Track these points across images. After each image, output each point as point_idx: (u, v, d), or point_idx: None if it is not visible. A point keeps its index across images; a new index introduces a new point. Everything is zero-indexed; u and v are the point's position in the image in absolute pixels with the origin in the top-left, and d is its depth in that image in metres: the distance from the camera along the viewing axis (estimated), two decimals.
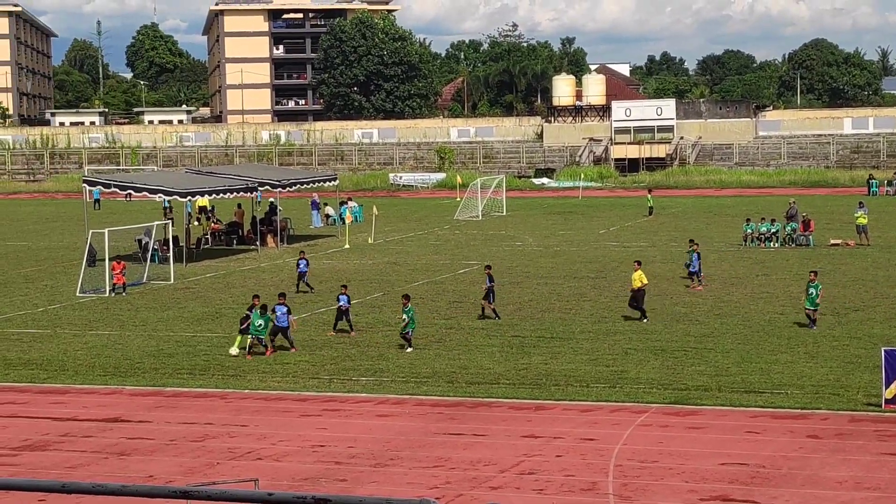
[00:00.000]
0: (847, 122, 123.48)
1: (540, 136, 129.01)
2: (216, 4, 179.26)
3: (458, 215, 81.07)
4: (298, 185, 71.83)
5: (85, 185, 64.43)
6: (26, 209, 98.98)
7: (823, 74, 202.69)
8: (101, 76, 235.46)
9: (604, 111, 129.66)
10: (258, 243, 63.88)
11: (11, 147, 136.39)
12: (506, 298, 44.92)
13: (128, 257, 52.91)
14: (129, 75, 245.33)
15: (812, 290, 37.32)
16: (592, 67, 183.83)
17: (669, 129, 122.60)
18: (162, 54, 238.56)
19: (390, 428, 26.87)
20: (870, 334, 36.29)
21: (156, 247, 56.37)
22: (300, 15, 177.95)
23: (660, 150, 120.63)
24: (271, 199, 69.48)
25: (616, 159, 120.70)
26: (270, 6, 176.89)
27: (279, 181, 68.60)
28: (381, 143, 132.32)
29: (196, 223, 69.19)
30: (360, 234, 68.78)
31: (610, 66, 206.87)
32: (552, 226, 74.63)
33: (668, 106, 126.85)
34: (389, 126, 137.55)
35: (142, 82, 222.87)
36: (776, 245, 60.32)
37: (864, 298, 43.50)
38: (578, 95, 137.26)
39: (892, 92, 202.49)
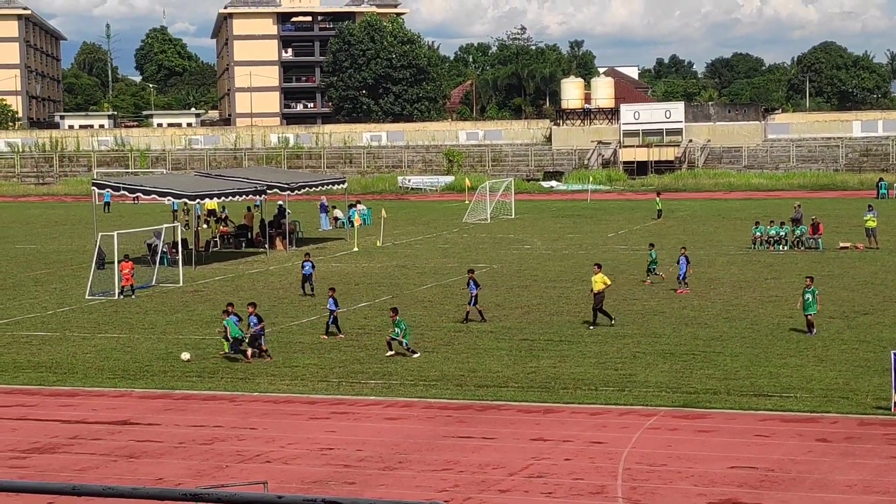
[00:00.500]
0: (856, 126, 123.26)
1: (548, 138, 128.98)
2: (225, 8, 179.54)
3: (467, 218, 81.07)
4: (307, 188, 71.86)
5: (94, 188, 64.47)
6: (35, 212, 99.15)
7: (832, 77, 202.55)
8: (110, 79, 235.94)
9: (612, 114, 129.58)
10: (267, 246, 63.95)
11: (21, 150, 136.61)
12: (514, 302, 44.97)
13: (137, 260, 52.98)
14: (138, 78, 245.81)
15: (808, 296, 36.95)
16: (601, 70, 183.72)
17: (678, 132, 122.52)
18: (171, 57, 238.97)
19: (399, 431, 26.88)
20: (879, 338, 36.23)
21: (165, 249, 56.44)
22: (309, 18, 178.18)
23: (668, 153, 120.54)
24: (280, 203, 69.54)
25: (625, 162, 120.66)
26: (279, 9, 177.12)
27: (288, 184, 68.63)
28: (390, 146, 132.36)
29: (205, 226, 69.28)
30: (369, 237, 68.80)
31: (618, 69, 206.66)
32: (561, 229, 74.61)
33: (677, 109, 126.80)
34: (398, 129, 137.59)
35: (151, 85, 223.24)
36: (785, 248, 60.26)
37: (873, 302, 43.43)
38: (587, 98, 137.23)
39: None
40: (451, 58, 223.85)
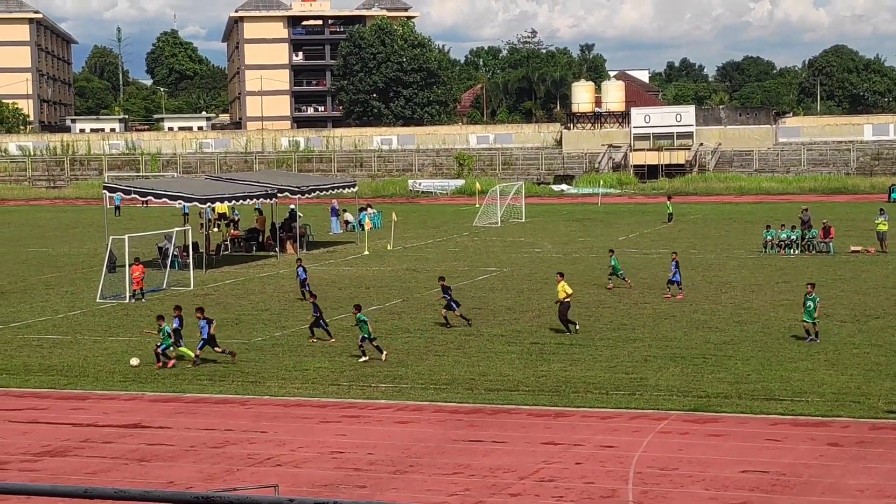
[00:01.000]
0: (867, 129, 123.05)
1: (559, 142, 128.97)
2: (236, 11, 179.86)
3: (477, 222, 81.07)
4: (318, 192, 71.93)
5: (105, 191, 64.56)
6: (47, 215, 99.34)
7: (843, 81, 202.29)
8: (121, 83, 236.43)
9: (623, 118, 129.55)
10: (277, 250, 64.01)
11: (32, 154, 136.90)
12: (525, 305, 44.96)
13: (148, 263, 53.04)
14: (148, 82, 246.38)
15: (809, 303, 36.71)
16: (611, 74, 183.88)
17: (689, 135, 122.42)
18: (182, 61, 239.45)
19: (410, 434, 26.87)
20: (890, 342, 36.16)
21: (176, 253, 56.51)
22: (319, 22, 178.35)
23: (679, 157, 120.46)
24: (291, 206, 69.61)
25: (635, 166, 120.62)
26: (290, 13, 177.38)
27: (298, 187, 68.71)
28: (401, 149, 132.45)
29: (215, 230, 69.36)
30: (380, 240, 68.82)
31: (629, 72, 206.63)
32: (571, 232, 74.57)
33: (688, 112, 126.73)
34: (408, 133, 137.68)
35: (161, 89, 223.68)
36: (796, 252, 60.17)
37: (884, 306, 43.34)
38: (597, 102, 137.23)
39: None
40: (462, 61, 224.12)
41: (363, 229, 68.89)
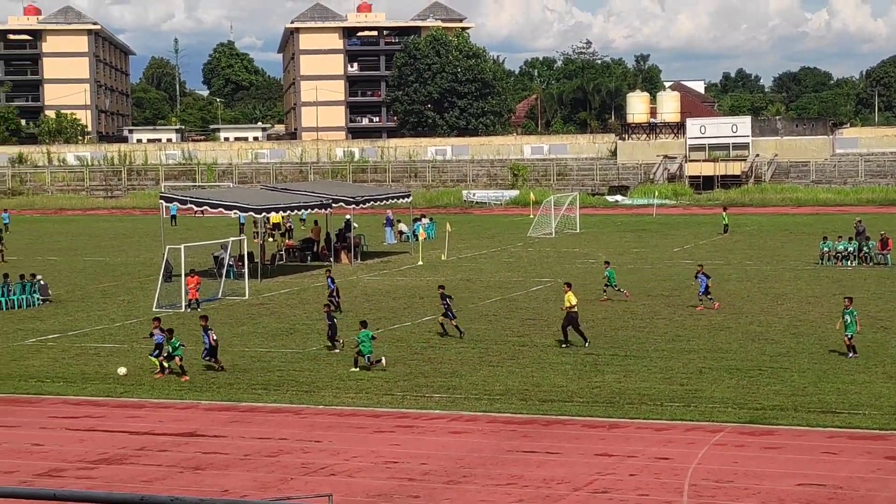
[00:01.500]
0: None
1: (614, 153, 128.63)
2: (292, 22, 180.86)
3: (532, 232, 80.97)
4: (372, 202, 72.11)
5: (161, 201, 65.03)
6: (104, 225, 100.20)
7: None
8: (177, 93, 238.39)
9: (678, 128, 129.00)
10: (332, 260, 64.22)
11: (90, 164, 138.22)
12: (579, 316, 44.78)
13: (203, 273, 53.35)
14: (205, 93, 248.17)
15: (847, 317, 36.18)
16: (667, 84, 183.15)
17: (745, 146, 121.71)
18: (238, 72, 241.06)
19: (463, 445, 26.86)
20: None
21: (231, 262, 56.82)
22: (375, 33, 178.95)
23: (735, 168, 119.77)
24: (347, 216, 69.84)
25: (690, 177, 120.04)
26: (345, 24, 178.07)
27: (353, 198, 68.92)
28: (455, 160, 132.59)
29: (270, 239, 69.69)
30: (434, 250, 68.89)
31: (684, 83, 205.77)
32: (626, 243, 74.31)
33: (744, 123, 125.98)
34: (463, 143, 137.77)
35: (218, 100, 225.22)
36: (853, 264, 59.62)
37: None
38: (653, 112, 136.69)
39: None
40: (517, 72, 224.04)
41: (417, 240, 68.99)
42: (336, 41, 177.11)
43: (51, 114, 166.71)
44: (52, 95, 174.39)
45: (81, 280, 59.61)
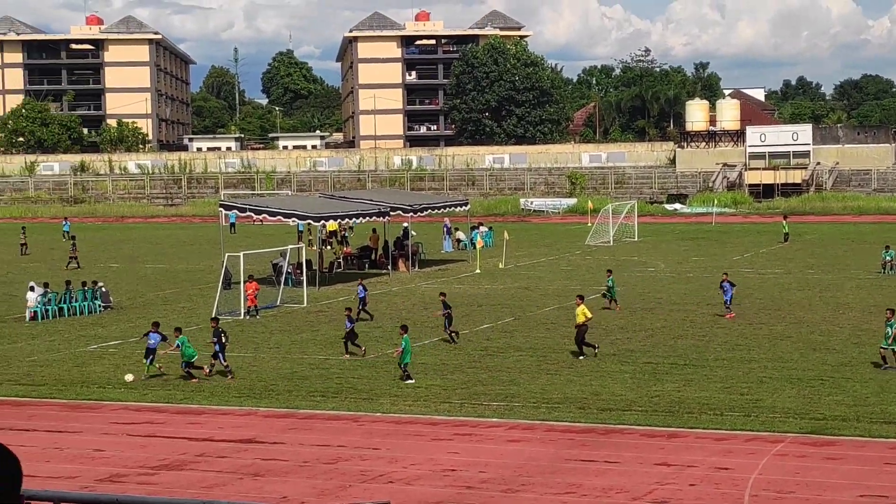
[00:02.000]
0: None
1: (672, 161, 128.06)
2: (350, 31, 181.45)
3: (590, 240, 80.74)
4: (430, 210, 72.20)
5: (221, 209, 65.41)
6: (164, 232, 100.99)
7: None
8: (237, 102, 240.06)
9: (738, 136, 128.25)
10: (389, 267, 64.34)
11: (150, 172, 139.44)
12: (638, 325, 44.62)
13: (262, 280, 53.60)
14: (264, 101, 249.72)
15: (888, 329, 35.71)
16: (726, 92, 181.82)
17: (805, 154, 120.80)
18: (296, 80, 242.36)
19: (521, 453, 26.78)
20: None
21: (289, 270, 57.05)
22: (433, 41, 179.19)
23: (795, 176, 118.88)
24: (405, 224, 69.99)
25: (750, 185, 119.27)
26: (403, 33, 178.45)
27: (411, 206, 69.02)
28: (512, 168, 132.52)
29: (328, 247, 69.91)
30: (491, 258, 68.84)
31: (744, 90, 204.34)
32: (685, 252, 73.92)
33: (805, 131, 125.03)
34: (520, 151, 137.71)
35: (277, 108, 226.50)
36: None
37: None
38: (712, 121, 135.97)
39: None
40: (575, 80, 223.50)
41: (475, 248, 68.97)
42: (394, 50, 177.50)
43: (112, 122, 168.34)
44: (114, 104, 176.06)
45: (142, 287, 60.08)
